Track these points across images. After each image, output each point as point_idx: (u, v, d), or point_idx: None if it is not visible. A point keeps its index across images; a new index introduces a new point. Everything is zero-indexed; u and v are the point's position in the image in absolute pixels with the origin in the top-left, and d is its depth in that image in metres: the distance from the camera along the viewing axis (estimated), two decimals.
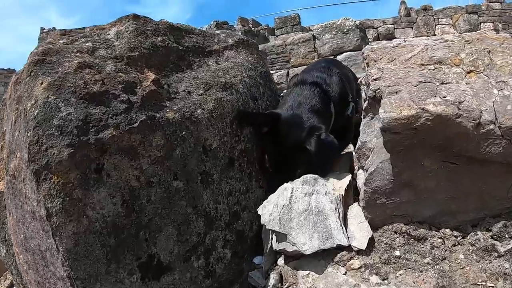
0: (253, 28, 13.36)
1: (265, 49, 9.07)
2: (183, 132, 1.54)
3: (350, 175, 1.75)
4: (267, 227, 1.60)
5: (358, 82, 1.97)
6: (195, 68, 1.80)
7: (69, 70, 1.46)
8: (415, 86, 1.44)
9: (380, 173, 1.47)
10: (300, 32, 11.87)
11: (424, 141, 1.34)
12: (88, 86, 1.42)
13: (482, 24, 12.88)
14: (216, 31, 2.10)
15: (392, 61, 1.65)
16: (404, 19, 13.31)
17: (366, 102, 1.69)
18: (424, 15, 13.24)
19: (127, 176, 1.38)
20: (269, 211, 1.62)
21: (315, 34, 8.84)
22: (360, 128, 1.75)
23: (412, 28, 13.19)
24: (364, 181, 1.49)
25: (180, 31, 1.94)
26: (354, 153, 1.77)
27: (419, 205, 1.52)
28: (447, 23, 13.05)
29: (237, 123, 1.73)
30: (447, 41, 1.74)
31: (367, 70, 1.69)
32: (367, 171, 1.58)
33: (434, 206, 1.51)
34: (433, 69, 1.53)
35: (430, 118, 1.29)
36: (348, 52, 8.24)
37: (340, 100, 2.03)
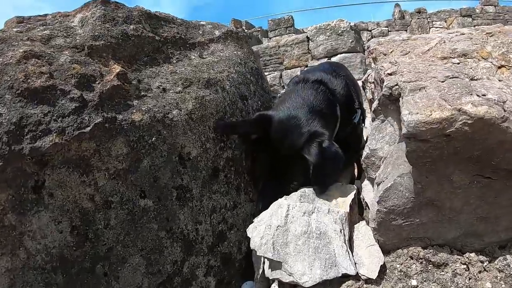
0: (246, 30, 13.09)
1: (258, 51, 8.82)
2: (153, 138, 1.24)
3: (355, 188, 1.48)
4: (258, 253, 1.33)
5: (363, 80, 1.69)
6: (174, 62, 1.49)
7: (10, 60, 1.14)
8: (442, 81, 1.17)
9: (397, 189, 1.20)
10: (293, 34, 11.57)
11: (458, 150, 1.07)
12: (29, 80, 1.10)
13: (476, 27, 13.05)
14: (202, 22, 1.77)
15: (406, 54, 1.37)
16: (398, 22, 13.12)
17: (376, 102, 1.41)
18: (418, 18, 13.07)
19: (77, 196, 1.09)
20: (260, 233, 1.31)
21: (309, 36, 8.57)
22: (369, 133, 1.47)
23: (406, 31, 13.00)
24: (378, 199, 1.23)
25: (158, 20, 1.62)
26: (362, 163, 1.50)
27: (441, 226, 1.27)
28: (441, 26, 12.85)
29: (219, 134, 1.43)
30: (464, 34, 1.47)
31: (377, 65, 1.41)
32: (378, 185, 1.31)
33: (458, 228, 1.26)
34: (458, 63, 1.26)
35: (469, 122, 0.99)
36: (343, 54, 7.98)
37: (346, 105, 1.70)
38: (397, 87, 1.20)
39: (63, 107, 1.10)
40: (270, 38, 13.04)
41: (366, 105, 1.91)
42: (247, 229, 1.36)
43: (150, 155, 1.22)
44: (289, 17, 13.64)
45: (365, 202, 1.51)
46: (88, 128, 1.10)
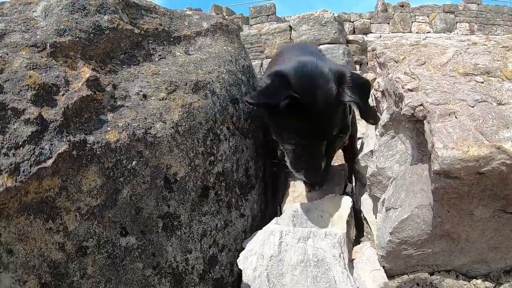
0: (227, 17, 12.52)
1: None
2: (133, 162, 1.02)
3: (351, 201, 1.31)
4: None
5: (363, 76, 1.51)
6: (156, 60, 1.21)
7: None
8: (473, 106, 1.02)
9: (414, 221, 1.08)
10: (275, 22, 11.34)
11: (487, 188, 0.90)
12: None
13: (458, 24, 12.84)
14: (188, 12, 1.45)
15: (422, 64, 1.17)
16: (381, 15, 13.03)
17: (387, 116, 1.19)
18: (401, 12, 13.03)
19: (43, 247, 0.86)
20: (252, 264, 1.12)
21: (291, 25, 8.31)
22: (375, 148, 1.29)
23: (388, 23, 12.98)
24: (391, 230, 1.11)
25: (138, 9, 1.30)
26: (367, 180, 1.37)
27: (452, 255, 1.19)
28: (423, 21, 12.92)
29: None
30: (477, 44, 1.30)
31: (389, 72, 1.21)
32: (388, 210, 1.18)
33: (468, 256, 1.18)
34: (482, 82, 1.09)
35: (508, 162, 0.84)
36: (326, 45, 7.84)
37: None
38: (422, 108, 1.04)
39: (15, 134, 0.83)
40: (251, 25, 12.71)
41: None
42: (237, 260, 1.18)
43: (131, 183, 0.98)
44: (271, 4, 13.37)
45: (364, 217, 1.43)
46: (50, 161, 0.85)
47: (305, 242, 1.17)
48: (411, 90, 1.06)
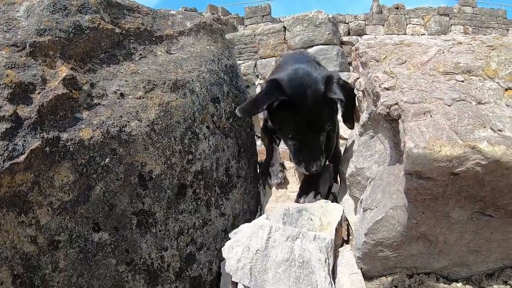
0: (222, 17, 12.68)
1: (233, 39, 8.61)
2: (107, 159, 1.05)
3: (342, 209, 1.30)
4: (233, 278, 1.21)
5: (351, 83, 1.55)
6: (137, 59, 1.24)
7: None
8: (449, 105, 1.03)
9: (389, 222, 1.09)
10: (270, 23, 11.53)
11: (463, 189, 0.90)
12: None
13: (452, 26, 12.96)
14: (171, 11, 1.49)
15: (403, 63, 1.18)
16: (376, 16, 13.20)
17: (366, 116, 1.18)
18: (396, 14, 13.22)
19: (16, 240, 0.90)
20: (237, 255, 1.14)
21: (286, 26, 8.41)
22: (354, 148, 1.29)
23: (383, 25, 13.17)
24: (366, 231, 1.12)
25: (120, 9, 1.34)
26: (346, 180, 1.38)
27: (431, 257, 1.19)
28: (418, 23, 13.09)
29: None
30: (462, 43, 1.30)
31: (369, 72, 1.23)
32: (365, 211, 1.20)
33: (448, 258, 1.17)
34: (463, 81, 1.09)
35: (483, 162, 0.84)
36: (319, 46, 7.95)
37: None
38: (397, 107, 1.05)
39: None
40: (246, 25, 12.97)
41: None
42: (222, 248, 1.20)
43: (104, 180, 1.01)
44: (266, 5, 13.57)
45: (346, 218, 1.43)
46: (23, 157, 0.90)
47: (293, 242, 1.18)
48: (387, 89, 1.07)
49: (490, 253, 1.12)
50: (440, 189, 0.94)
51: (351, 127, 1.49)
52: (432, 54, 1.18)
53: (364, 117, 1.22)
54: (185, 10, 12.66)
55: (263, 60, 8.36)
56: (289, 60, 1.64)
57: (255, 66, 8.42)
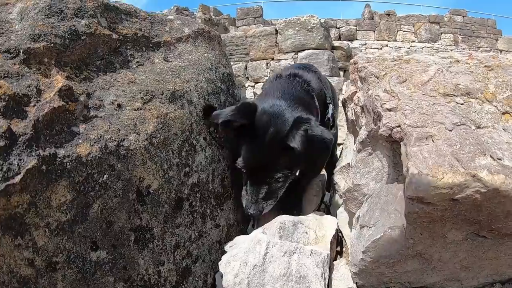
0: (214, 17, 12.87)
1: (224, 40, 8.58)
2: (105, 176, 1.07)
3: (336, 222, 1.35)
4: None
5: (346, 97, 1.61)
6: (134, 67, 1.24)
7: None
8: (451, 130, 1.10)
9: (387, 242, 1.16)
10: (262, 25, 11.81)
11: (460, 213, 0.96)
12: None
13: (443, 34, 13.61)
14: (169, 16, 1.48)
15: (403, 82, 1.22)
16: (367, 22, 13.72)
17: (365, 133, 1.23)
18: (387, 20, 13.74)
19: (12, 263, 0.92)
20: (234, 270, 1.18)
21: (277, 29, 8.62)
22: (352, 164, 1.35)
23: (374, 31, 13.68)
24: (363, 249, 1.19)
25: (117, 13, 1.34)
26: (343, 195, 1.45)
27: (425, 273, 1.27)
28: (408, 30, 13.68)
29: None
30: (459, 61, 1.37)
31: (369, 89, 1.25)
32: (362, 228, 1.26)
33: (441, 274, 1.28)
34: (462, 104, 1.15)
35: (482, 190, 0.90)
36: (310, 50, 8.16)
37: (319, 99, 1.70)
38: (399, 129, 1.11)
39: None
40: (238, 27, 13.21)
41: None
42: (219, 263, 1.24)
43: (102, 197, 1.02)
44: (259, 7, 13.94)
45: (340, 231, 1.51)
46: (18, 177, 0.90)
47: (290, 257, 1.24)
48: (389, 110, 1.12)
49: (481, 269, 1.21)
50: (439, 212, 1.01)
51: (305, 182, 1.54)
52: (432, 74, 1.24)
53: (362, 134, 1.27)
54: (177, 8, 12.52)
55: (254, 62, 8.56)
56: (277, 90, 1.58)
57: (246, 68, 8.64)
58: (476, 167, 0.95)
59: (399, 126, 1.06)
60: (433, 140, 1.02)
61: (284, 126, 1.36)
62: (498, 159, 0.96)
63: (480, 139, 1.03)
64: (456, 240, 1.10)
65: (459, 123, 1.07)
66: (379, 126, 1.12)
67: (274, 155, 1.37)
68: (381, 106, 1.13)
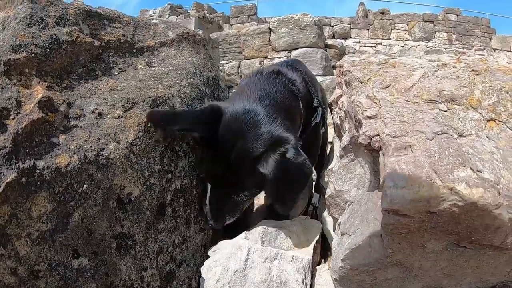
0: (208, 15, 13.08)
1: (218, 38, 8.89)
2: (85, 186, 1.11)
3: (321, 227, 1.38)
4: None
5: (331, 100, 1.58)
6: (116, 73, 1.26)
7: None
8: (431, 140, 1.10)
9: (366, 250, 1.18)
10: (255, 23, 12.06)
11: (438, 225, 0.98)
12: None
13: (437, 33, 13.77)
14: (154, 20, 1.48)
15: (387, 87, 1.21)
16: (361, 20, 13.98)
17: (347, 139, 1.24)
18: (381, 19, 14.00)
19: None
20: (216, 275, 1.21)
21: (271, 27, 8.81)
22: (334, 170, 1.35)
23: (368, 30, 13.92)
24: (342, 257, 1.22)
25: (100, 19, 1.35)
26: (326, 200, 1.47)
27: (406, 281, 1.28)
28: (402, 29, 13.88)
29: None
30: (446, 64, 1.35)
31: (352, 94, 1.26)
32: (343, 235, 1.29)
33: (423, 282, 1.30)
34: (446, 111, 1.14)
35: (460, 204, 0.91)
36: (304, 49, 8.35)
37: (305, 101, 1.55)
38: (378, 138, 1.12)
39: None
40: (232, 25, 13.45)
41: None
42: (201, 268, 1.27)
43: (82, 206, 1.04)
44: (253, 5, 14.24)
45: (325, 234, 1.54)
46: None
47: (271, 263, 1.27)
48: (370, 118, 1.13)
49: (463, 277, 1.23)
50: (416, 224, 1.02)
51: (282, 211, 1.35)
52: (416, 79, 1.24)
53: (345, 139, 1.29)
54: (171, 6, 12.61)
55: (247, 60, 8.75)
56: (255, 87, 1.40)
57: (239, 67, 8.85)
58: (454, 179, 0.96)
59: (378, 135, 1.08)
60: (412, 151, 1.04)
61: (256, 143, 1.19)
62: (478, 171, 0.97)
63: (461, 149, 1.04)
64: (436, 250, 1.11)
65: (440, 132, 1.07)
66: (360, 134, 1.13)
67: (240, 174, 1.23)
68: (362, 114, 1.14)
